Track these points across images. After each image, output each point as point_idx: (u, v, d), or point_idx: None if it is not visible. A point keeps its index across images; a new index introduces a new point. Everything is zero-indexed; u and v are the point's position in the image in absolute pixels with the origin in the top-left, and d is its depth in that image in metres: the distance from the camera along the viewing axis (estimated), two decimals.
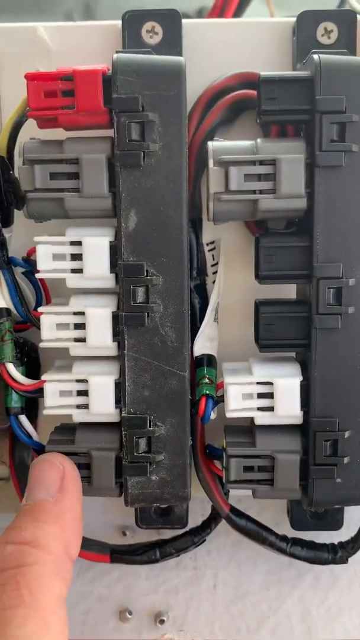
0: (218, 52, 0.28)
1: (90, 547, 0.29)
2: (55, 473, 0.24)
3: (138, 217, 0.24)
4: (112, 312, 0.25)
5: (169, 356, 0.25)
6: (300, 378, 0.25)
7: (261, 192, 0.24)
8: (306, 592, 0.31)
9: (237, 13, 0.40)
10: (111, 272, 0.24)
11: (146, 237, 0.24)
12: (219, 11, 0.40)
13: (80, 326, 0.25)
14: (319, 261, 0.24)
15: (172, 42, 0.27)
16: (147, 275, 0.24)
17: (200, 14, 0.48)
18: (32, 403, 0.29)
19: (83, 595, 0.32)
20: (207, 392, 0.26)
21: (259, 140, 0.24)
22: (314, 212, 0.24)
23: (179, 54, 0.27)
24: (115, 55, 0.23)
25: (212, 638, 0.31)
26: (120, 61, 0.23)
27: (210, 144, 0.25)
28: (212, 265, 0.29)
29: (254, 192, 0.24)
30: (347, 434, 0.25)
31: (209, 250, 0.29)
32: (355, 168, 0.24)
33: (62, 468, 0.24)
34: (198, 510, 0.30)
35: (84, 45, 0.27)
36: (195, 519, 0.30)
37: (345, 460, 0.25)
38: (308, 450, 0.25)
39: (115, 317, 0.25)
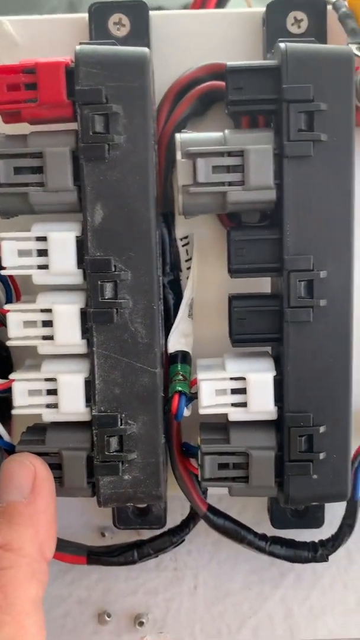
0: (187, 44, 0.27)
1: (67, 549, 0.29)
2: (27, 473, 0.24)
3: (104, 211, 0.23)
4: (81, 309, 0.24)
5: (140, 353, 0.24)
6: (274, 373, 0.25)
7: (230, 184, 0.24)
8: (288, 591, 0.31)
9: (218, 7, 0.39)
10: (78, 267, 0.24)
11: (113, 232, 0.23)
12: (199, 6, 0.40)
13: (48, 323, 0.24)
14: (289, 254, 0.24)
15: (140, 34, 0.26)
16: (115, 271, 0.24)
17: (185, 9, 0.47)
18: (6, 403, 0.28)
19: (62, 598, 0.31)
20: (180, 389, 0.25)
21: (227, 131, 0.24)
22: (283, 203, 0.23)
23: (147, 46, 0.26)
24: (78, 47, 0.23)
25: None
26: (83, 52, 0.23)
27: (177, 136, 0.24)
28: (186, 261, 0.29)
29: (222, 184, 0.24)
30: (322, 429, 0.25)
31: (183, 245, 0.29)
32: (324, 158, 0.23)
33: (33, 468, 0.24)
34: (178, 509, 0.30)
35: (51, 39, 0.27)
36: (174, 518, 0.29)
37: (321, 455, 0.25)
38: (283, 446, 0.25)
39: (84, 314, 0.24)
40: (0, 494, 0.23)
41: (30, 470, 0.24)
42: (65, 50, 0.26)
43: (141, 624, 0.31)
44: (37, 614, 0.21)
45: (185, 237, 0.29)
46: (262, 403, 0.25)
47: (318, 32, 0.26)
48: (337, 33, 0.26)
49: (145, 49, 0.23)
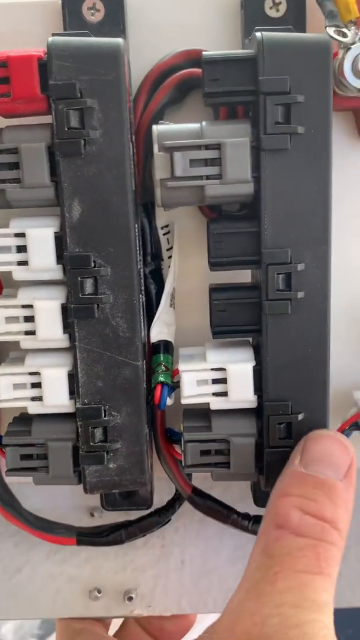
0: (164, 29, 0.27)
1: (56, 531, 0.30)
2: (347, 456, 0.24)
3: (82, 207, 0.23)
4: (62, 304, 0.24)
5: (121, 346, 0.25)
6: (253, 363, 0.25)
7: (208, 177, 0.24)
8: None
9: None
10: (58, 263, 0.24)
11: (91, 227, 0.24)
12: None
13: (30, 319, 0.25)
14: (267, 247, 0.24)
15: (115, 19, 0.26)
16: (94, 266, 0.24)
17: None
18: None
19: (53, 577, 0.32)
20: (162, 379, 0.26)
21: (204, 123, 0.24)
22: (260, 197, 0.23)
23: (122, 32, 0.26)
24: (50, 39, 0.22)
25: (180, 613, 0.32)
26: (56, 45, 0.22)
27: (154, 128, 0.24)
28: (167, 250, 0.29)
29: (200, 177, 0.24)
30: (300, 417, 0.25)
31: (164, 234, 0.29)
32: (301, 150, 0.23)
33: (351, 452, 0.24)
34: (164, 489, 0.31)
35: (23, 25, 0.26)
36: (161, 497, 0.30)
37: None
38: (263, 433, 0.26)
39: (65, 309, 0.24)
40: (316, 463, 0.24)
41: (349, 454, 0.24)
42: (39, 37, 0.26)
43: (130, 599, 0.32)
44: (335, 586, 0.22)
45: (166, 226, 0.29)
46: (242, 392, 0.25)
47: (297, 15, 0.26)
48: (316, 16, 0.26)
49: (119, 40, 0.23)
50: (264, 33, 0.23)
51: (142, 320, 0.26)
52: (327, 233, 0.24)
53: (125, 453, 0.26)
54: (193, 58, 0.26)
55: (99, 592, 0.32)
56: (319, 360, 0.25)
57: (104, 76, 0.22)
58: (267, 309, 0.24)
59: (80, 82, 0.22)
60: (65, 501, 0.32)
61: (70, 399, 0.25)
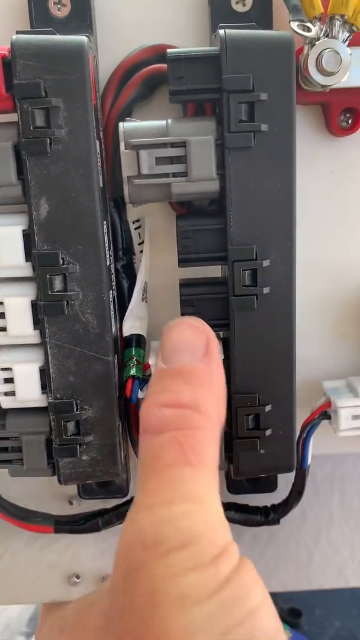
0: (132, 24, 0.27)
1: (35, 520, 0.31)
2: (200, 336, 0.22)
3: (49, 205, 0.24)
4: (32, 301, 0.25)
5: (92, 342, 0.25)
6: (221, 357, 0.26)
7: (174, 175, 0.24)
8: (245, 549, 0.33)
9: None
10: (27, 260, 0.24)
11: (59, 225, 0.24)
12: None
13: (0, 315, 0.25)
14: (233, 244, 0.24)
15: (82, 14, 0.26)
16: (63, 264, 0.24)
17: None
18: None
19: (33, 563, 0.33)
20: (134, 373, 0.27)
21: (169, 120, 0.24)
22: (226, 194, 0.24)
23: (89, 27, 0.26)
24: (13, 37, 0.22)
25: None
26: (19, 44, 0.22)
27: (121, 125, 0.24)
28: (139, 244, 0.29)
29: (167, 175, 0.24)
30: (267, 408, 0.26)
31: (135, 229, 0.29)
32: (265, 148, 0.23)
33: (205, 330, 0.23)
34: None
35: None
36: None
37: (267, 432, 0.26)
38: (232, 424, 0.26)
39: (35, 306, 0.25)
40: (172, 353, 0.22)
41: (203, 333, 0.22)
42: (5, 33, 0.26)
43: None
44: (217, 479, 0.20)
45: (138, 221, 0.29)
46: None
47: (263, 9, 0.26)
48: (282, 10, 0.26)
49: (83, 39, 0.23)
50: (227, 30, 0.23)
51: (112, 315, 0.26)
52: (291, 229, 0.24)
53: (97, 445, 0.26)
54: (160, 53, 0.26)
55: (78, 577, 0.33)
56: (286, 353, 0.26)
57: (68, 75, 0.22)
58: (234, 305, 0.25)
59: (45, 81, 0.22)
60: (43, 489, 0.33)
61: (43, 393, 0.26)
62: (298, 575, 0.33)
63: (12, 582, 0.33)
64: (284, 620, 0.69)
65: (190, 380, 0.21)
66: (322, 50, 0.24)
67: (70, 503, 0.33)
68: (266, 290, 0.25)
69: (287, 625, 0.69)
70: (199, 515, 0.19)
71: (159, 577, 0.17)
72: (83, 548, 0.33)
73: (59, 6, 0.26)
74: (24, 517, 0.31)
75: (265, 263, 0.24)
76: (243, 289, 0.25)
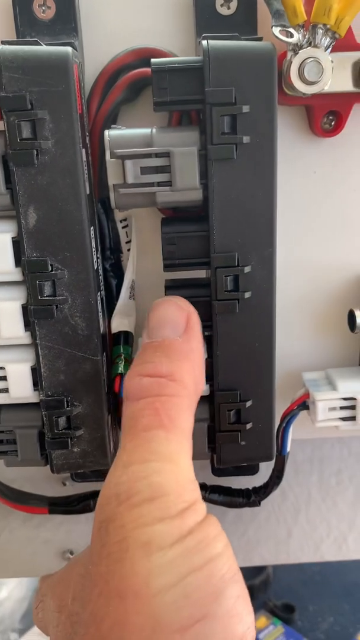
0: (117, 26, 0.27)
1: (29, 502, 0.33)
2: (181, 314, 0.24)
3: (37, 214, 0.24)
4: (22, 305, 0.26)
5: (81, 343, 0.26)
6: (205, 356, 0.27)
7: (159, 184, 0.24)
8: (229, 526, 0.35)
9: None
10: (17, 266, 0.25)
11: (47, 233, 0.25)
12: None
13: None
14: (215, 251, 0.25)
15: (67, 16, 0.26)
16: (51, 270, 0.25)
17: None
18: None
19: (29, 540, 0.35)
20: (121, 371, 0.28)
21: (154, 130, 0.24)
22: (209, 203, 0.24)
23: (74, 30, 0.26)
24: None
25: None
26: (5, 56, 0.22)
27: (106, 134, 0.25)
28: (127, 243, 0.30)
29: (152, 184, 0.24)
30: (248, 404, 0.27)
31: (123, 228, 0.30)
32: (247, 159, 0.24)
33: (186, 308, 0.25)
34: None
35: None
36: None
37: (248, 426, 0.28)
38: (215, 418, 0.28)
39: (26, 309, 0.26)
40: (153, 330, 0.24)
41: (184, 311, 0.24)
42: None
43: None
44: (191, 442, 0.22)
45: (125, 220, 0.30)
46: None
47: (248, 12, 0.26)
48: (267, 13, 0.26)
49: (67, 50, 0.23)
50: (210, 42, 0.23)
51: (101, 314, 0.27)
52: (272, 236, 0.25)
53: (88, 438, 0.28)
54: (145, 56, 0.26)
55: (71, 553, 0.35)
56: (266, 352, 0.27)
57: (53, 87, 0.23)
58: (217, 309, 0.26)
59: (30, 93, 0.23)
60: (38, 472, 0.35)
61: (35, 390, 0.27)
62: (278, 551, 0.35)
63: (9, 557, 0.35)
64: (277, 615, 0.72)
65: (169, 353, 0.23)
66: (305, 60, 0.24)
67: (64, 484, 0.35)
68: (247, 294, 0.26)
69: (280, 620, 0.72)
70: (170, 473, 0.20)
71: (129, 526, 0.19)
72: (76, 526, 0.35)
73: (43, 8, 0.26)
74: (20, 499, 0.33)
75: (247, 269, 0.25)
76: (225, 294, 0.26)
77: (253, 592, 0.74)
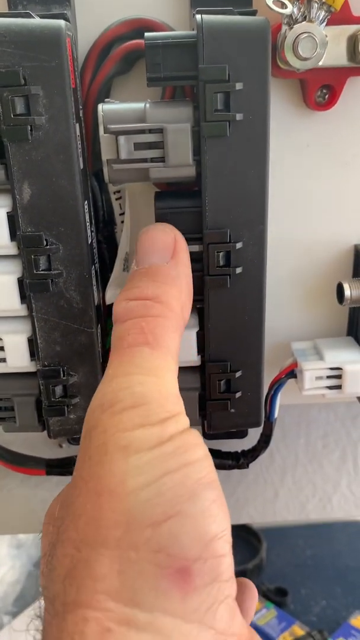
0: None
1: (27, 464, 0.34)
2: (168, 240, 0.24)
3: (32, 189, 0.25)
4: (18, 278, 0.26)
5: (76, 316, 0.27)
6: (197, 328, 0.28)
7: (152, 160, 0.25)
8: None
9: None
10: (12, 241, 0.26)
11: (42, 208, 0.25)
12: None
13: None
14: (208, 227, 0.26)
15: None
16: (46, 245, 0.25)
17: None
18: None
19: (28, 498, 0.37)
20: None
21: (147, 105, 0.24)
22: (201, 180, 0.25)
23: (67, 0, 0.25)
24: None
25: None
26: None
27: (100, 108, 0.25)
28: (120, 214, 0.30)
29: (145, 160, 0.25)
30: (238, 374, 0.28)
31: (117, 199, 0.30)
32: (239, 136, 0.24)
33: (173, 235, 0.25)
34: None
35: None
36: None
37: (237, 395, 0.29)
38: (205, 387, 0.29)
39: (22, 282, 0.26)
40: (141, 257, 0.24)
41: (171, 238, 0.25)
42: None
43: None
44: (177, 363, 0.23)
45: (118, 191, 0.30)
46: (187, 354, 0.28)
47: None
48: None
49: (60, 23, 0.23)
50: (204, 17, 0.23)
51: (95, 287, 0.28)
52: (264, 213, 0.26)
53: (83, 406, 0.29)
54: (138, 27, 0.26)
55: None
56: (256, 325, 0.28)
57: (46, 62, 0.23)
58: (209, 284, 0.26)
59: (23, 68, 0.23)
60: (36, 434, 0.36)
61: (32, 360, 0.28)
62: (265, 510, 0.37)
63: (9, 515, 0.37)
64: (270, 599, 0.74)
65: (155, 278, 0.23)
66: (299, 35, 0.24)
67: (60, 446, 0.37)
68: (239, 270, 0.26)
69: (273, 604, 0.74)
70: (153, 385, 0.21)
71: (109, 431, 0.20)
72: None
73: None
74: (18, 461, 0.34)
75: (238, 245, 0.26)
76: (217, 269, 0.26)
77: (246, 575, 0.76)
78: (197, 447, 0.20)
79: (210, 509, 0.19)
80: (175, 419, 0.20)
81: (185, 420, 0.21)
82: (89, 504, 0.19)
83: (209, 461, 0.20)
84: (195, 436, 0.20)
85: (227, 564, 0.19)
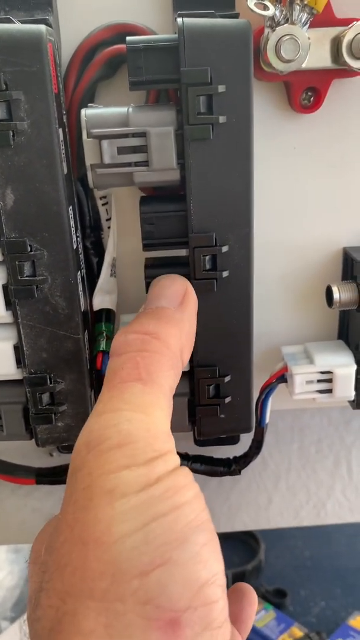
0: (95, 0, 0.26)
1: (17, 473, 0.34)
2: (179, 288, 0.25)
3: (15, 195, 0.24)
4: (3, 285, 0.26)
5: (62, 322, 0.27)
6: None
7: (136, 164, 0.24)
8: (211, 493, 0.37)
9: None
10: None
11: (26, 214, 0.25)
12: None
13: None
14: (194, 231, 0.25)
15: None
16: (31, 251, 0.25)
17: None
18: None
19: (18, 508, 0.36)
20: (102, 348, 0.28)
21: (130, 109, 0.24)
22: (186, 184, 0.25)
23: (49, 4, 0.25)
24: None
25: None
26: None
27: (83, 113, 0.24)
28: (107, 220, 0.30)
29: (129, 164, 0.24)
30: (227, 379, 0.28)
31: (103, 205, 0.30)
32: (223, 139, 0.24)
33: (185, 286, 0.25)
34: None
35: None
36: None
37: (227, 400, 0.29)
38: (194, 393, 0.29)
39: (6, 289, 0.26)
40: (152, 300, 0.25)
41: (182, 287, 0.25)
42: None
43: None
44: (170, 401, 0.22)
45: (105, 197, 0.30)
46: None
47: None
48: None
49: (41, 28, 0.22)
50: (186, 20, 0.23)
51: (82, 293, 0.28)
52: (249, 216, 0.25)
53: (71, 413, 0.28)
54: (122, 32, 0.26)
55: None
56: (244, 329, 0.27)
57: (27, 67, 0.23)
58: (195, 288, 0.26)
59: (4, 73, 0.22)
60: (26, 443, 0.35)
61: (18, 368, 0.28)
62: (258, 516, 0.37)
63: (0, 525, 0.36)
64: (269, 601, 0.73)
65: (159, 317, 0.23)
66: (281, 37, 0.24)
67: (51, 455, 0.36)
68: (225, 274, 0.26)
69: (272, 605, 0.73)
70: (142, 423, 0.20)
71: (95, 473, 0.19)
72: (63, 494, 0.36)
73: None
74: (7, 470, 0.34)
75: (224, 249, 0.26)
76: (203, 273, 0.26)
77: (245, 577, 0.76)
78: (186, 488, 0.19)
79: (200, 553, 0.18)
80: (164, 458, 0.20)
81: (175, 459, 0.20)
82: (74, 553, 0.18)
83: (199, 502, 0.19)
84: (185, 475, 0.20)
85: (219, 609, 0.18)
